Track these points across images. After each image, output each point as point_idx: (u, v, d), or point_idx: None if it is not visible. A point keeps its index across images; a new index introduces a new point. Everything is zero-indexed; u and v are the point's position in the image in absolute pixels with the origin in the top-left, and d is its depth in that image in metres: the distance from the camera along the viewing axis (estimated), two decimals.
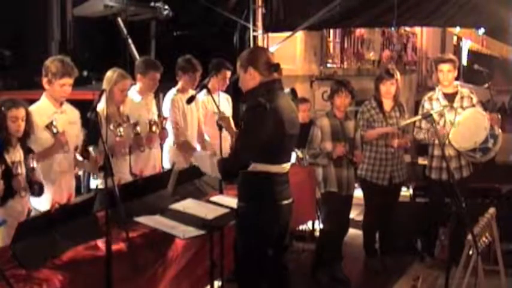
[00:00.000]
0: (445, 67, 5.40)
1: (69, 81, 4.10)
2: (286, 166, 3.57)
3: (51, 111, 4.12)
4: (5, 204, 3.65)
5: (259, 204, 3.49)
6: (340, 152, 5.07)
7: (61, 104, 4.19)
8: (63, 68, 4.05)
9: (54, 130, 4.00)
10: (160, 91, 5.53)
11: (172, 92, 5.39)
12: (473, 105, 5.41)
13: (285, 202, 3.56)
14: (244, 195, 3.54)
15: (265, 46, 7.87)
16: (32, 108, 4.00)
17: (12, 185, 3.63)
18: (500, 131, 5.33)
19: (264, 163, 3.46)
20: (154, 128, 4.83)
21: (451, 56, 5.76)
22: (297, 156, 5.94)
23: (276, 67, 3.56)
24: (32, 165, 3.72)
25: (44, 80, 4.10)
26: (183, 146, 5.13)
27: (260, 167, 3.46)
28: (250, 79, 3.51)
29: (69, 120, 4.21)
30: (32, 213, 3.79)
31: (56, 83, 4.06)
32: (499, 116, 5.40)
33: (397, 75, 5.46)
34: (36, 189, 3.78)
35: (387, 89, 5.44)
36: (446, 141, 5.35)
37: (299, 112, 6.62)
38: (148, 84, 5.05)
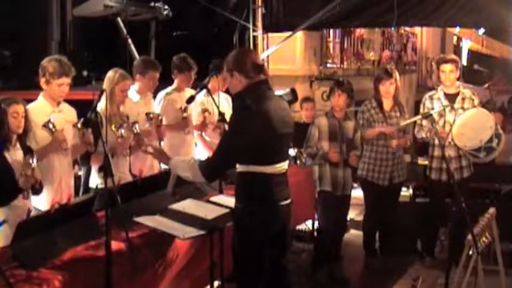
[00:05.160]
0: (447, 67, 5.40)
1: (66, 80, 4.11)
2: (282, 166, 3.55)
3: (49, 110, 4.12)
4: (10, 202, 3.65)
5: (255, 205, 3.48)
6: (335, 158, 5.08)
7: (58, 103, 4.20)
8: (60, 67, 4.06)
9: (51, 127, 4.00)
10: (160, 91, 5.52)
11: (166, 91, 5.39)
12: (475, 107, 5.41)
13: (283, 203, 3.55)
14: (241, 196, 3.53)
15: (265, 46, 7.86)
16: (29, 107, 4.00)
17: (20, 184, 3.62)
18: (501, 131, 5.34)
19: (257, 165, 3.45)
20: (152, 121, 4.86)
21: (453, 56, 5.74)
22: (299, 156, 5.95)
23: (261, 68, 3.55)
24: (31, 164, 3.71)
25: (42, 80, 4.10)
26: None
27: (253, 169, 3.46)
28: (237, 83, 3.51)
29: (66, 119, 4.21)
30: (32, 213, 3.79)
31: (54, 83, 4.07)
32: (501, 116, 5.42)
33: (396, 74, 5.46)
34: (37, 187, 3.78)
35: (386, 89, 5.43)
36: (448, 142, 5.35)
37: (303, 111, 6.68)
38: (147, 84, 5.07)
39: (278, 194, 3.52)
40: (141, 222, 3.63)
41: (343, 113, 5.24)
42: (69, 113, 4.28)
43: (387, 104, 5.52)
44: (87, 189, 4.66)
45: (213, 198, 4.17)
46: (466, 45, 17.56)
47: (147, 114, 4.89)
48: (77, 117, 4.32)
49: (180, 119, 5.35)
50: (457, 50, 16.94)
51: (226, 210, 3.73)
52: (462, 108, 5.40)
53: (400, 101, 5.67)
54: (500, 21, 6.96)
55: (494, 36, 14.27)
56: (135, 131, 4.64)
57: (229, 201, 3.90)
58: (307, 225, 6.28)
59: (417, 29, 14.01)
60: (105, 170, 3.20)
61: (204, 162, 3.53)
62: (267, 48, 7.84)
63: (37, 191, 3.83)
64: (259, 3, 7.74)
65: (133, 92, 5.01)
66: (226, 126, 4.07)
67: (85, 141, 4.16)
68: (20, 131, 3.74)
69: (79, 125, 4.10)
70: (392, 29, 12.20)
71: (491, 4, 6.63)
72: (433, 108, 5.40)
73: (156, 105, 5.31)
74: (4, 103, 3.67)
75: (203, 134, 5.62)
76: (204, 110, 5.45)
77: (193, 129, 5.45)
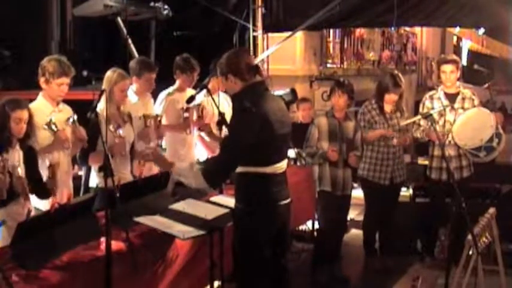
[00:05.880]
0: (447, 68, 5.40)
1: (66, 80, 4.12)
2: (281, 165, 3.55)
3: (49, 110, 4.13)
4: (5, 206, 3.64)
5: (255, 205, 3.48)
6: (333, 157, 5.07)
7: (58, 103, 4.21)
8: (60, 67, 4.06)
9: (54, 127, 4.01)
10: (160, 91, 5.52)
11: (167, 91, 5.39)
12: (475, 107, 5.41)
13: (282, 203, 3.55)
14: (240, 196, 3.53)
15: (265, 46, 7.86)
16: (30, 107, 4.00)
17: (14, 186, 3.62)
18: (502, 131, 5.34)
19: (257, 166, 3.45)
20: (148, 123, 4.85)
21: (454, 56, 5.73)
22: (299, 157, 5.95)
23: (256, 69, 3.54)
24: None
25: (41, 80, 4.10)
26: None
27: (253, 169, 3.46)
28: (233, 86, 3.51)
29: (65, 119, 4.21)
30: (32, 213, 3.79)
31: (53, 82, 4.07)
32: (502, 116, 5.42)
33: (403, 83, 5.45)
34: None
35: (391, 98, 5.43)
36: (449, 141, 5.35)
37: (299, 111, 6.69)
38: (144, 85, 5.05)
39: (278, 194, 3.53)
40: (141, 222, 3.63)
41: (343, 113, 5.24)
42: (68, 113, 4.28)
43: (388, 106, 5.51)
44: (87, 189, 4.65)
45: (213, 198, 4.17)
46: (466, 45, 17.55)
47: (144, 115, 4.87)
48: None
49: (181, 119, 5.35)
50: (457, 50, 16.93)
51: (226, 210, 3.73)
52: (462, 108, 5.41)
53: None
54: (500, 21, 6.97)
55: (494, 36, 14.29)
56: (148, 123, 4.72)
57: (229, 201, 3.90)
58: (307, 225, 6.28)
59: (417, 29, 14.01)
60: (105, 170, 3.20)
61: (206, 168, 3.51)
62: (267, 48, 7.84)
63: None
64: (259, 3, 7.74)
65: (131, 93, 5.01)
66: (224, 129, 4.07)
67: (77, 136, 4.16)
68: (21, 136, 3.73)
69: (71, 120, 4.11)
70: (392, 29, 12.20)
71: (491, 4, 6.63)
72: (433, 108, 5.40)
73: (158, 106, 5.30)
74: (8, 106, 3.66)
75: (202, 134, 5.62)
76: (199, 104, 5.40)
77: (193, 125, 5.43)
